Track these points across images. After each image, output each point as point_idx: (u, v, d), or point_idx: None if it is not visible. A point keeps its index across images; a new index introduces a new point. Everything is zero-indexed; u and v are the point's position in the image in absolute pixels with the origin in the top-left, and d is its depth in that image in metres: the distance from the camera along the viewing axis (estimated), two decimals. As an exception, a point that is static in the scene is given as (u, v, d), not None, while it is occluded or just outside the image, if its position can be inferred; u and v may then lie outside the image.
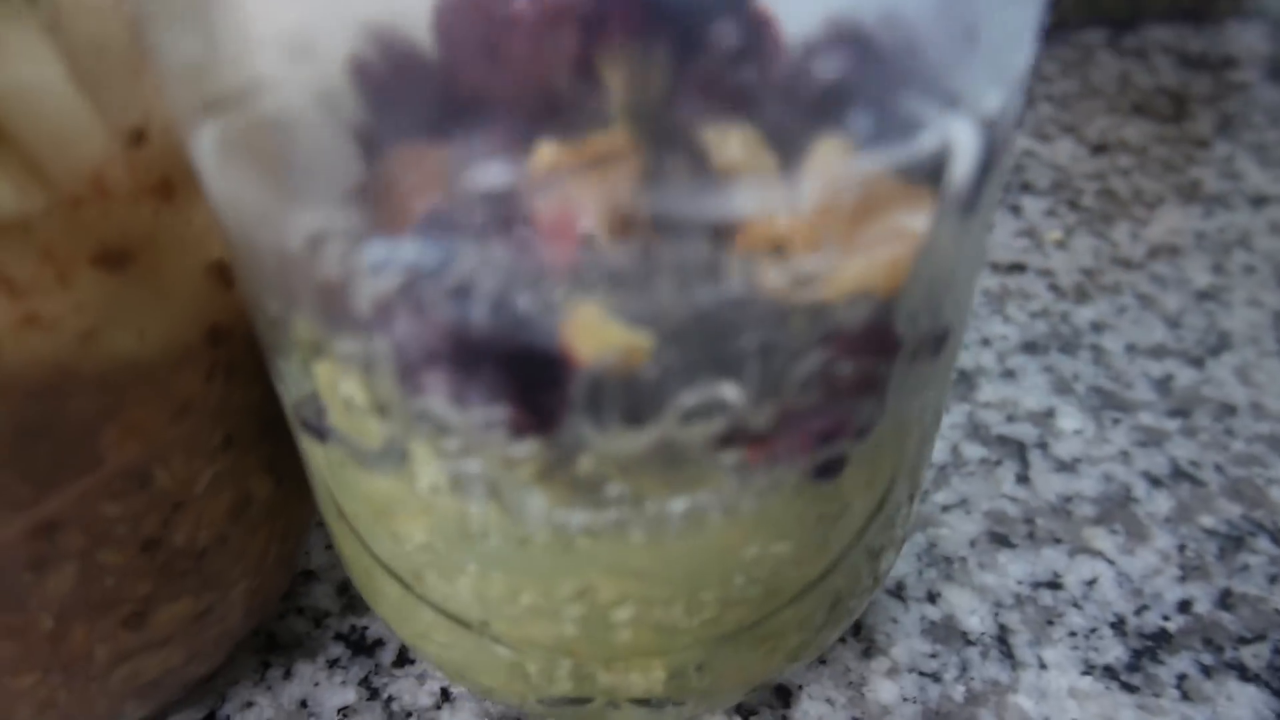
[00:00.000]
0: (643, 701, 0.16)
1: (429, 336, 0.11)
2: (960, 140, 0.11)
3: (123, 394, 0.14)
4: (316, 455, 0.14)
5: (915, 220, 0.11)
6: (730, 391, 0.11)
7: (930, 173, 0.11)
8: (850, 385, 0.12)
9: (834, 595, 0.16)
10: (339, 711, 0.19)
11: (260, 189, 0.11)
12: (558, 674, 0.15)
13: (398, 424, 0.12)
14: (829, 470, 0.13)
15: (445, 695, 0.19)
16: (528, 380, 0.11)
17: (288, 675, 0.19)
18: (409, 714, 0.19)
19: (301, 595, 0.21)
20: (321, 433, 0.13)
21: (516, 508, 0.12)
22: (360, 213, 0.10)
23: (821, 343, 0.11)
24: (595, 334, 0.10)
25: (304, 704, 0.19)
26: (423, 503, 0.13)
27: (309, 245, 0.11)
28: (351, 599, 0.21)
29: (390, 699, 0.19)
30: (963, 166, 0.11)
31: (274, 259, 0.11)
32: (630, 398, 0.11)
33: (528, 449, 0.12)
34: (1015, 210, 0.32)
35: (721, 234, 0.10)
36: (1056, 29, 0.41)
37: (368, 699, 0.19)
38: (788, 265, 0.10)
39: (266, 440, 0.17)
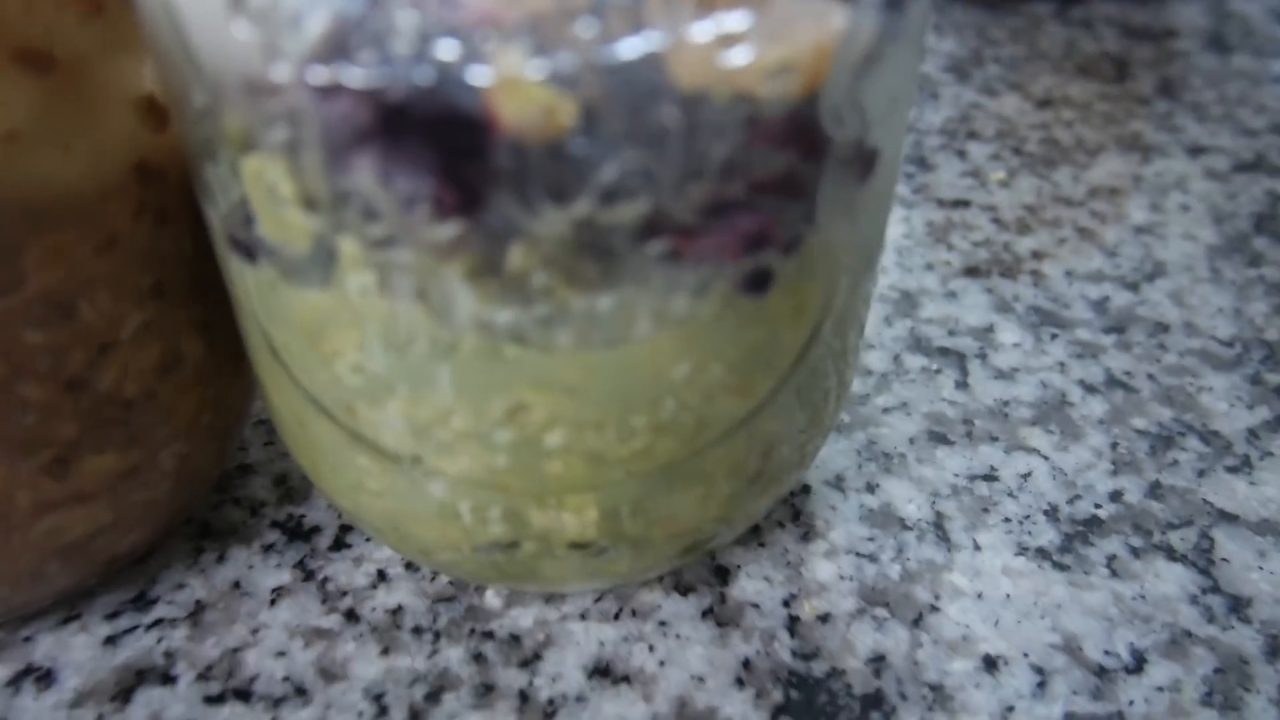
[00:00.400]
0: (577, 546, 0.16)
1: (349, 106, 0.11)
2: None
3: (47, 215, 0.14)
4: (247, 283, 0.14)
5: (836, 9, 0.11)
6: (651, 165, 0.11)
7: (850, -50, 0.11)
8: (776, 182, 0.12)
9: (765, 441, 0.16)
10: (272, 591, 0.19)
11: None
12: (490, 515, 0.15)
13: (325, 216, 0.12)
14: (757, 283, 0.13)
15: (381, 576, 0.19)
16: (452, 151, 0.11)
17: (221, 559, 0.19)
18: (344, 593, 0.19)
19: (238, 487, 0.21)
20: (251, 249, 0.13)
21: (443, 307, 0.12)
22: (283, -38, 0.10)
23: (745, 125, 0.11)
24: (518, 92, 0.10)
25: (237, 585, 0.19)
26: (352, 312, 0.13)
27: (232, 1, 0.11)
28: (289, 489, 0.21)
29: (326, 580, 0.19)
30: (882, -51, 0.11)
31: (203, 34, 0.11)
32: (553, 169, 0.11)
33: (453, 231, 0.12)
34: (960, 154, 0.32)
35: (641, -20, 0.10)
36: (1006, 1, 0.42)
37: (303, 580, 0.19)
38: (710, 20, 0.10)
39: (198, 299, 0.17)
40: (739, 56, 0.11)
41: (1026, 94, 0.36)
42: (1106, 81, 0.36)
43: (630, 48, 0.10)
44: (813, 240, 0.13)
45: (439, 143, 0.11)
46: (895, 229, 0.28)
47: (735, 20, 0.10)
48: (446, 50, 0.10)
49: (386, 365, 0.13)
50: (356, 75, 0.10)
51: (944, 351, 0.24)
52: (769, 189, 0.12)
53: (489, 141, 0.11)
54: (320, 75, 0.11)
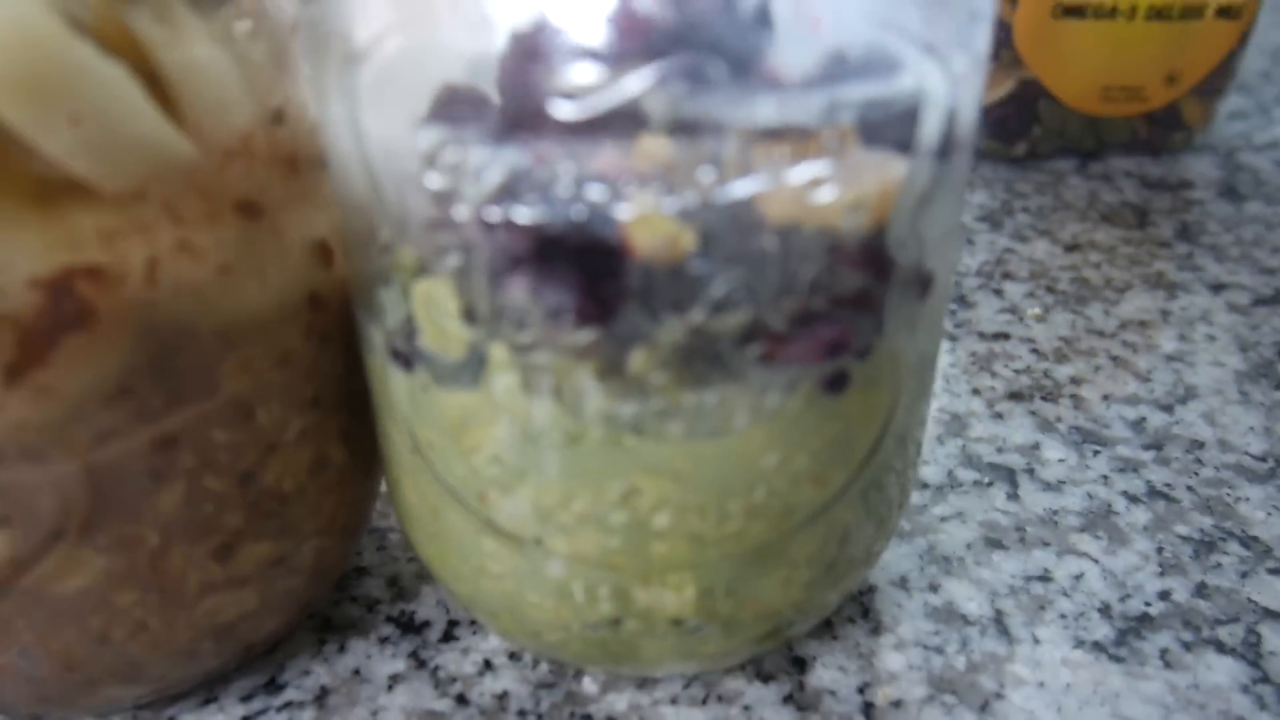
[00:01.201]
0: (675, 623, 0.17)
1: (514, 238, 0.14)
2: (933, 85, 0.14)
3: (241, 333, 0.17)
4: (400, 389, 0.17)
5: (898, 161, 0.14)
6: (752, 282, 0.14)
7: (908, 113, 0.14)
8: (852, 298, 0.15)
9: (841, 530, 0.18)
10: (389, 678, 0.20)
11: (391, 116, 0.14)
12: (600, 593, 0.17)
13: (482, 327, 0.15)
14: (836, 383, 0.16)
15: (488, 664, 0.21)
16: (592, 272, 0.14)
17: (342, 649, 0.21)
18: (454, 680, 0.20)
19: (355, 586, 0.23)
20: (410, 359, 0.16)
21: (575, 402, 0.15)
22: (467, 128, 0.13)
23: (828, 251, 0.14)
24: (649, 225, 0.13)
25: (357, 672, 0.21)
26: (494, 409, 0.15)
27: (426, 158, 0.14)
28: (401, 589, 0.23)
29: (437, 668, 0.21)
30: (935, 111, 0.14)
31: (393, 182, 0.14)
32: (674, 287, 0.14)
33: (589, 337, 0.14)
34: (998, 293, 0.35)
35: (750, 137, 0.13)
36: (1029, 159, 0.46)
37: (416, 668, 0.21)
38: (800, 167, 0.13)
39: (345, 410, 0.19)
40: (823, 196, 0.14)
41: (1055, 239, 0.39)
42: (1128, 227, 0.39)
43: (739, 189, 0.13)
44: (881, 348, 0.16)
45: (582, 266, 0.14)
46: (942, 359, 0.31)
47: (820, 168, 0.13)
48: (596, 192, 0.13)
49: (520, 455, 0.16)
50: (522, 213, 0.13)
51: (994, 467, 0.26)
52: (846, 303, 0.15)
53: (623, 265, 0.14)
54: (493, 214, 0.14)
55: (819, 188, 0.13)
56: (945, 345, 0.32)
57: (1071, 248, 0.38)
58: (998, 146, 0.44)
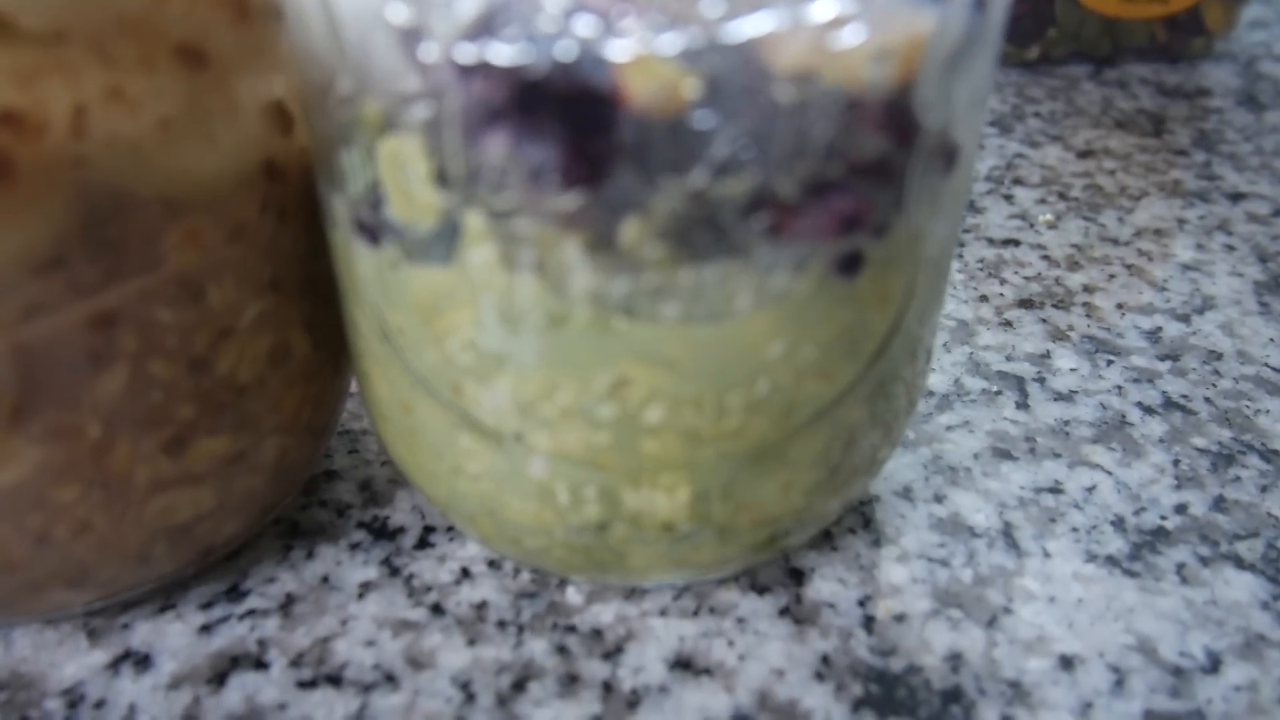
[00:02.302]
0: (666, 528, 0.16)
1: (491, 84, 0.12)
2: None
3: (188, 201, 0.15)
4: (366, 267, 0.15)
5: (929, 7, 0.13)
6: (761, 140, 0.12)
7: (945, -53, 0.12)
8: (871, 166, 0.13)
9: (846, 431, 0.16)
10: (360, 586, 0.19)
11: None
12: (585, 494, 0.16)
13: (456, 191, 0.13)
14: (849, 264, 0.14)
15: (465, 573, 0.19)
16: (581, 124, 0.12)
17: (310, 556, 0.20)
18: (429, 589, 0.19)
19: (325, 491, 0.21)
20: (376, 231, 0.14)
21: (560, 278, 0.13)
22: (439, -49, 0.11)
23: (847, 108, 0.12)
24: (646, 69, 0.12)
25: (325, 579, 0.19)
26: (470, 288, 0.14)
27: (390, -14, 0.12)
28: (373, 494, 0.21)
29: (411, 576, 0.19)
30: (972, -52, 0.12)
31: (353, 19, 0.12)
32: (673, 143, 0.12)
33: (576, 202, 0.13)
34: (1008, 198, 0.33)
35: (764, -36, 0.11)
36: (1041, 63, 0.43)
37: (389, 576, 0.19)
38: (820, 3, 0.11)
39: (307, 296, 0.18)
40: (846, 38, 0.12)
41: (1068, 145, 0.37)
42: (1144, 135, 0.38)
43: (750, 26, 0.11)
44: (900, 227, 0.14)
45: (569, 118, 0.12)
46: (948, 265, 0.29)
47: (843, 3, 0.12)
48: (586, 26, 0.11)
49: (498, 340, 0.14)
50: (501, 52, 0.12)
51: (1003, 375, 0.25)
52: (865, 172, 0.13)
53: (616, 116, 0.12)
54: (467, 54, 0.12)
55: (841, 29, 0.12)
56: (952, 251, 0.30)
57: (1085, 154, 0.36)
58: (1010, 49, 0.42)
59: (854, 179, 0.13)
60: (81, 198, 0.14)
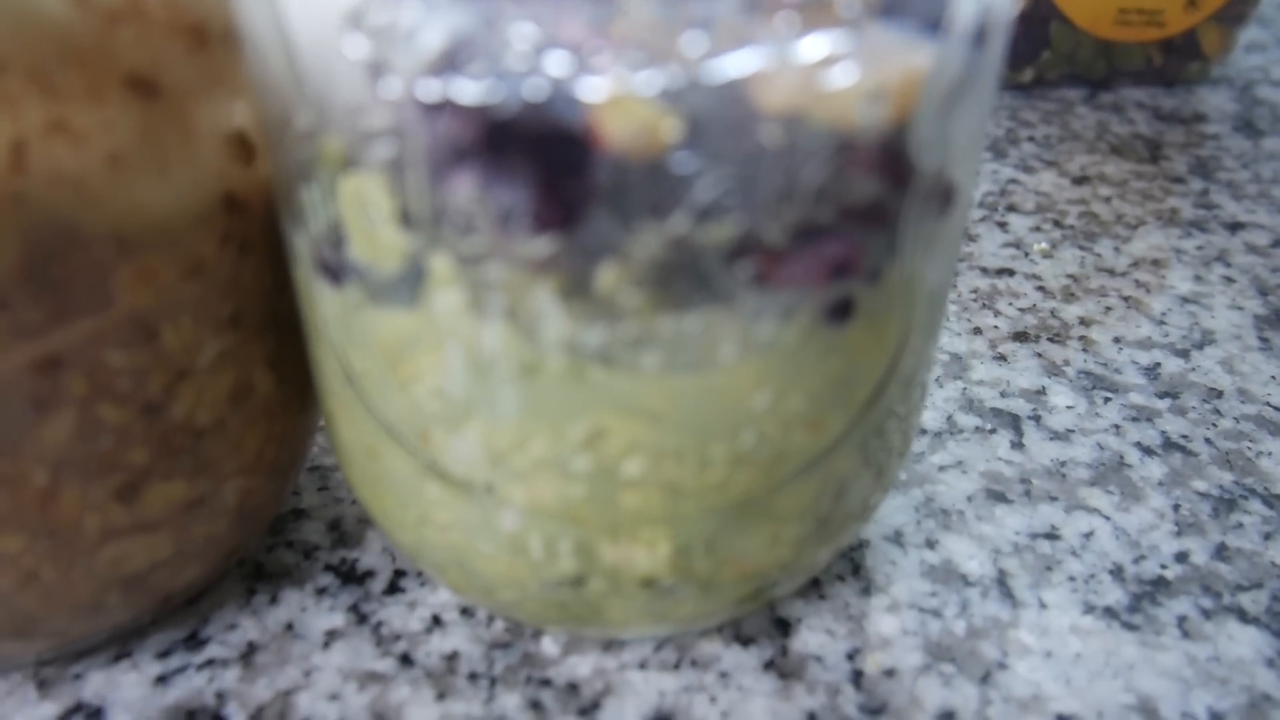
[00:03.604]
0: (646, 583, 0.15)
1: (458, 122, 0.11)
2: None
3: (141, 238, 0.14)
4: (329, 308, 0.14)
5: (926, 44, 0.12)
6: (747, 184, 0.11)
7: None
8: (863, 209, 0.12)
9: (836, 483, 0.16)
10: (326, 634, 0.18)
11: (305, -36, 0.11)
12: (560, 548, 0.15)
13: (421, 233, 0.12)
14: (839, 311, 0.13)
15: (436, 621, 0.19)
16: (552, 167, 0.11)
17: (274, 601, 0.19)
18: (398, 638, 0.18)
19: (292, 530, 0.20)
20: (338, 272, 0.14)
21: (531, 326, 0.13)
22: (402, -19, 0.11)
23: (838, 149, 0.12)
24: (623, 109, 0.11)
25: (289, 627, 0.18)
26: (436, 333, 0.13)
27: (349, 18, 0.11)
28: (342, 534, 0.20)
29: (380, 624, 0.18)
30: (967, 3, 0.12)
31: (312, 51, 0.12)
32: (651, 186, 0.11)
33: (548, 247, 0.12)
34: (1002, 226, 0.32)
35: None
36: (1035, 85, 0.43)
37: (356, 624, 0.19)
38: (810, 38, 0.11)
39: (271, 332, 0.17)
40: (836, 79, 0.11)
41: (1063, 171, 0.36)
42: (1140, 161, 0.37)
43: (735, 65, 0.11)
44: (894, 272, 0.13)
45: (541, 159, 0.11)
46: (941, 295, 0.29)
47: (835, 41, 0.11)
48: (558, 64, 0.11)
49: (467, 388, 0.13)
50: (467, 89, 0.11)
51: (997, 412, 0.24)
52: (856, 216, 0.12)
53: (590, 158, 0.11)
54: (431, 91, 0.11)
55: (831, 68, 0.11)
56: (945, 281, 0.29)
57: (1080, 180, 0.35)
58: (1004, 72, 0.42)
59: (845, 223, 0.12)
60: (23, 236, 0.13)
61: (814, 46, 0.11)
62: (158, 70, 0.13)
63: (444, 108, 0.11)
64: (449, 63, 0.11)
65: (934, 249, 0.14)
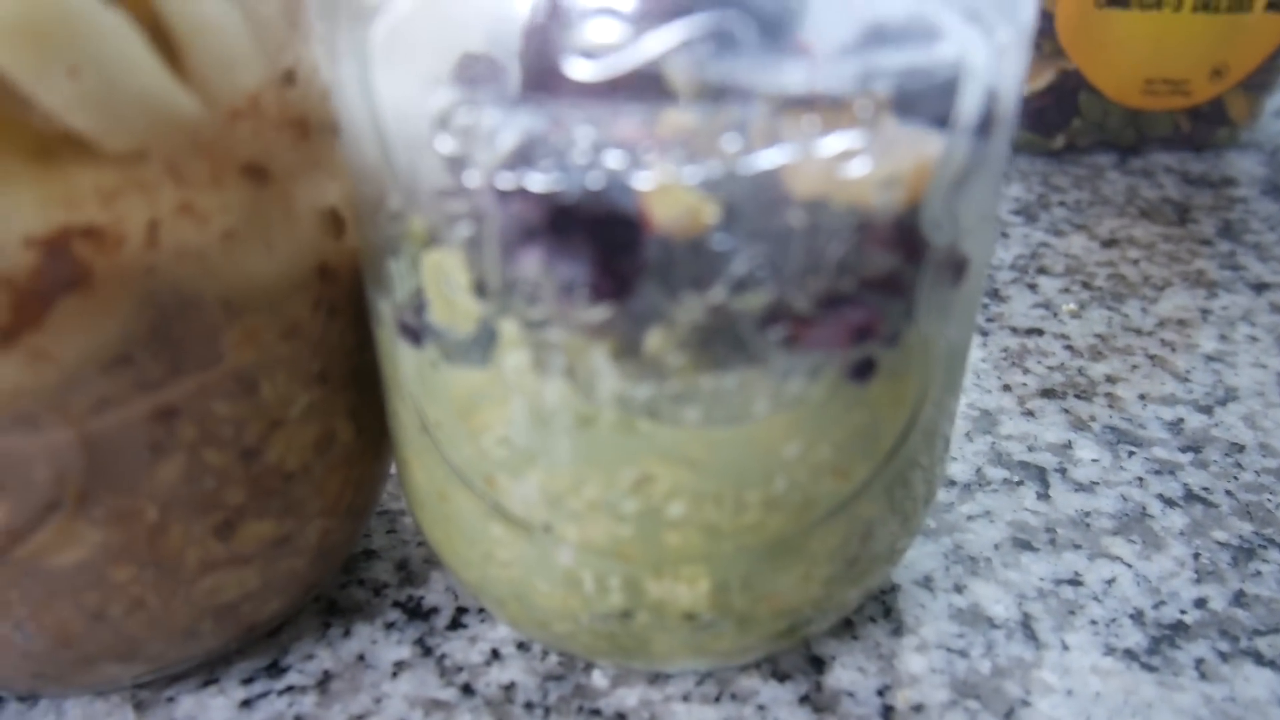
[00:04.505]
0: (688, 617, 0.17)
1: (528, 207, 0.13)
2: (974, 55, 0.13)
3: (246, 303, 0.16)
4: (408, 365, 0.16)
5: (935, 136, 0.13)
6: (777, 260, 0.13)
7: (947, 84, 0.13)
8: (881, 280, 0.14)
9: (863, 526, 0.17)
10: (394, 665, 0.20)
11: (404, 76, 0.13)
12: (610, 584, 0.16)
13: (493, 301, 0.14)
14: (862, 371, 0.15)
15: (495, 654, 0.20)
16: (608, 245, 0.13)
17: (347, 634, 0.21)
18: (460, 669, 0.20)
19: (363, 570, 0.22)
20: (419, 333, 0.15)
21: (588, 383, 0.14)
22: (482, 89, 0.13)
23: (857, 229, 0.13)
24: (669, 196, 0.13)
25: (361, 658, 0.20)
26: (504, 389, 0.15)
27: (438, 120, 0.13)
28: (409, 573, 0.22)
29: (443, 656, 0.20)
30: (975, 83, 0.13)
31: (404, 146, 0.14)
32: (694, 262, 0.13)
33: (603, 314, 0.13)
34: (1032, 288, 0.34)
35: (778, 104, 0.12)
36: (1067, 151, 0.44)
37: (422, 656, 0.20)
38: (831, 137, 0.12)
39: (353, 387, 0.19)
40: (855, 169, 0.13)
41: (1092, 234, 0.37)
42: (1169, 224, 0.38)
43: (766, 159, 0.12)
44: (911, 336, 0.15)
45: (598, 238, 0.13)
46: (973, 354, 0.30)
47: (852, 139, 0.13)
48: (615, 159, 0.12)
49: (529, 438, 0.15)
50: (537, 180, 0.13)
51: (1024, 465, 0.25)
52: (876, 286, 0.14)
53: (641, 238, 0.13)
54: (507, 181, 0.13)
55: (850, 160, 0.13)
56: (976, 340, 0.31)
57: (1109, 243, 0.37)
58: (1035, 139, 0.43)
59: (865, 293, 0.14)
60: (150, 301, 0.15)
61: (834, 143, 0.12)
62: (269, 158, 0.16)
63: (516, 195, 0.13)
64: (522, 158, 0.13)
65: (949, 314, 0.16)
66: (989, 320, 0.32)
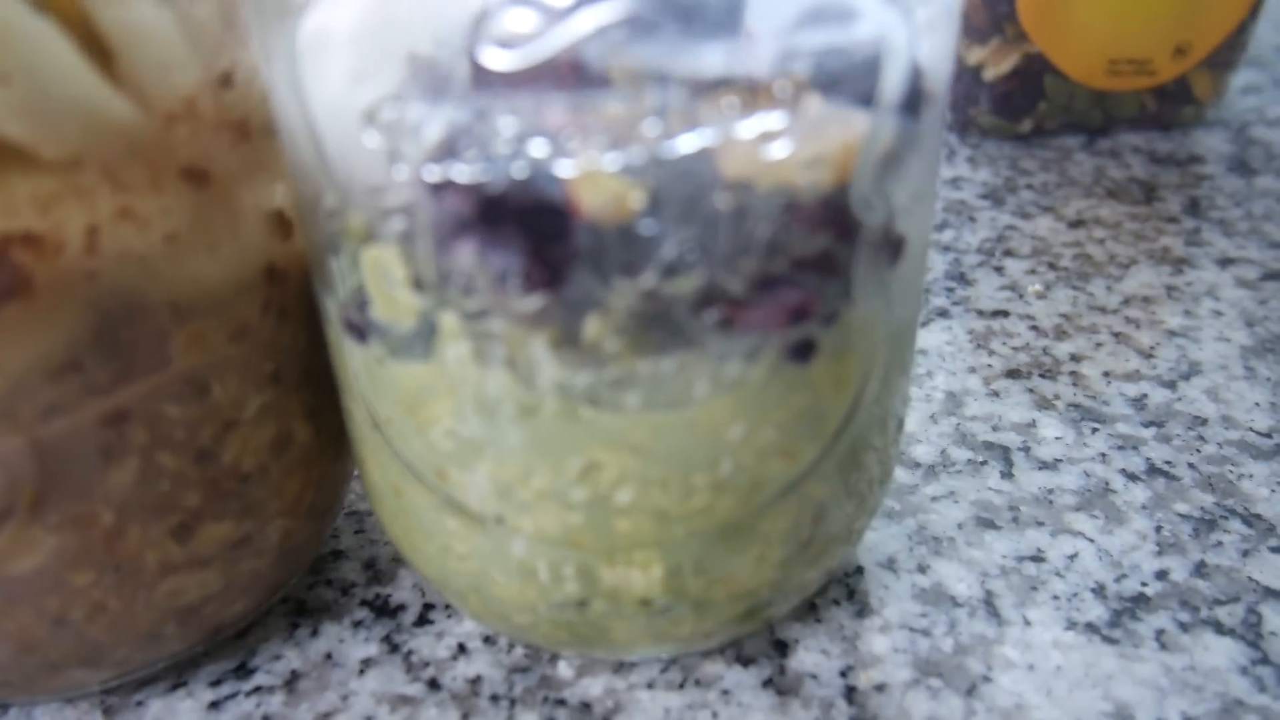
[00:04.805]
0: (643, 603, 0.17)
1: (457, 199, 0.13)
2: (894, 34, 0.13)
3: (194, 306, 0.16)
4: (356, 363, 0.16)
5: (859, 116, 0.14)
6: (706, 243, 0.13)
7: (868, 64, 0.13)
8: (814, 260, 0.14)
9: (815, 507, 0.17)
10: (361, 662, 0.20)
11: (331, 74, 0.13)
12: (565, 573, 0.17)
13: (431, 294, 0.14)
14: (801, 351, 0.15)
15: (461, 648, 0.20)
16: (538, 234, 0.13)
17: (315, 634, 0.21)
18: (427, 664, 0.20)
19: (331, 570, 0.22)
20: (363, 330, 0.16)
21: (528, 372, 0.14)
22: (408, 83, 0.13)
23: (785, 209, 0.13)
24: (595, 183, 0.13)
25: (329, 656, 0.20)
26: (448, 381, 0.15)
27: (366, 114, 0.13)
28: (377, 572, 0.22)
29: (410, 652, 0.20)
30: (897, 62, 0.13)
31: (335, 143, 0.14)
32: (624, 248, 0.13)
33: (539, 303, 0.14)
34: (998, 270, 0.34)
35: (697, 88, 0.12)
36: (1034, 135, 0.45)
37: (389, 652, 0.20)
38: (753, 119, 0.13)
39: (308, 387, 0.19)
40: (778, 150, 0.13)
41: (1059, 216, 0.38)
42: (1135, 203, 0.38)
43: (687, 143, 0.13)
44: (850, 315, 0.15)
45: (528, 228, 0.13)
46: (938, 336, 0.30)
47: (772, 120, 0.13)
48: (538, 148, 0.12)
49: (476, 429, 0.15)
50: (463, 171, 0.13)
51: (989, 445, 0.25)
52: (809, 266, 0.14)
53: (570, 226, 0.13)
54: (433, 173, 0.13)
55: (772, 141, 0.13)
56: (942, 323, 0.31)
57: (1076, 224, 0.37)
58: (1002, 123, 0.43)
59: (799, 273, 0.14)
60: (94, 307, 0.15)
61: (755, 125, 0.13)
62: (208, 161, 0.16)
63: (446, 187, 0.13)
64: (448, 150, 0.13)
65: (889, 293, 0.16)
66: (954, 304, 0.32)
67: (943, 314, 0.31)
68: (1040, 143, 0.44)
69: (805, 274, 0.14)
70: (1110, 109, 0.43)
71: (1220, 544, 0.22)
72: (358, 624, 0.21)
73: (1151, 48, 0.41)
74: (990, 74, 0.41)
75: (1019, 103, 0.43)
